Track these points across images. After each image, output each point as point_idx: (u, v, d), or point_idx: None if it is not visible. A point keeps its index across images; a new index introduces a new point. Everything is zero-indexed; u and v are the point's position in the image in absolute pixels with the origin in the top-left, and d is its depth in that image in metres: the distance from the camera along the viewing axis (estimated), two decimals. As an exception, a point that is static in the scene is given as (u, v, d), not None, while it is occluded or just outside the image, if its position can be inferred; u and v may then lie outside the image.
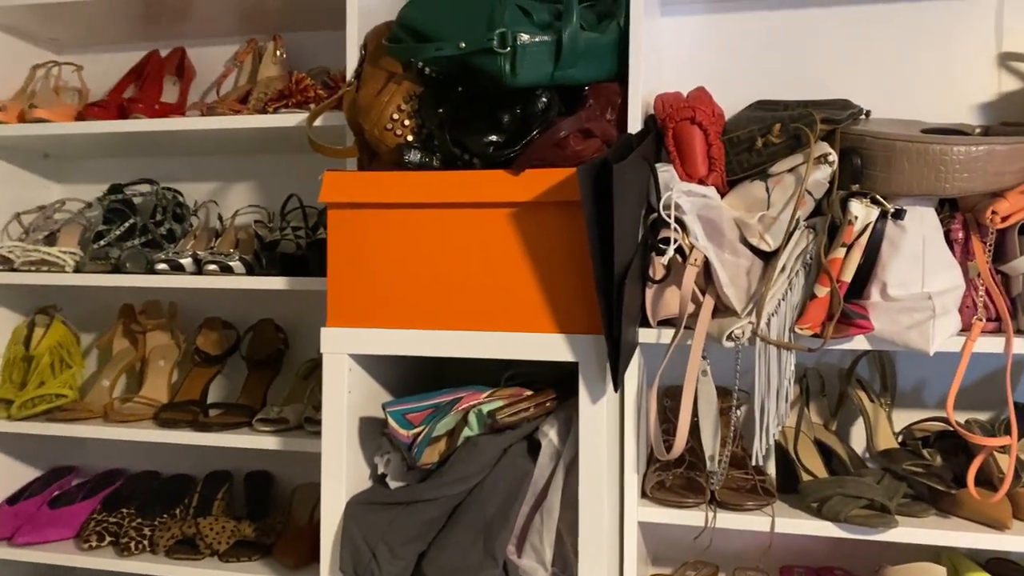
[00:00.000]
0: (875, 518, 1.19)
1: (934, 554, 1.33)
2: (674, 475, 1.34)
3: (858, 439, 1.47)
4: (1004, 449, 1.23)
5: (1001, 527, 1.18)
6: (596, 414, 1.18)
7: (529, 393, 1.26)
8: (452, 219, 1.23)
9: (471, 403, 1.22)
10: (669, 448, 1.21)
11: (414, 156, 1.25)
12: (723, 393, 1.31)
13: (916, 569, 1.25)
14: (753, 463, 1.20)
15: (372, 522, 1.24)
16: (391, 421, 1.22)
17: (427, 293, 1.23)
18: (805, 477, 1.30)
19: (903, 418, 1.43)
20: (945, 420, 1.32)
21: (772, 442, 1.21)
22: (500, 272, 1.21)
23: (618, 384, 1.14)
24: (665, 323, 1.26)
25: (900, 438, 1.39)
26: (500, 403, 1.22)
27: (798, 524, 1.24)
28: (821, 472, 1.31)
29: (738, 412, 1.41)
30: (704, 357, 1.25)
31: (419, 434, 1.22)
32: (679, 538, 1.45)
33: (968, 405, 1.42)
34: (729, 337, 1.20)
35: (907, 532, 1.19)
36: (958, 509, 1.24)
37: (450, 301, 1.23)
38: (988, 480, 1.25)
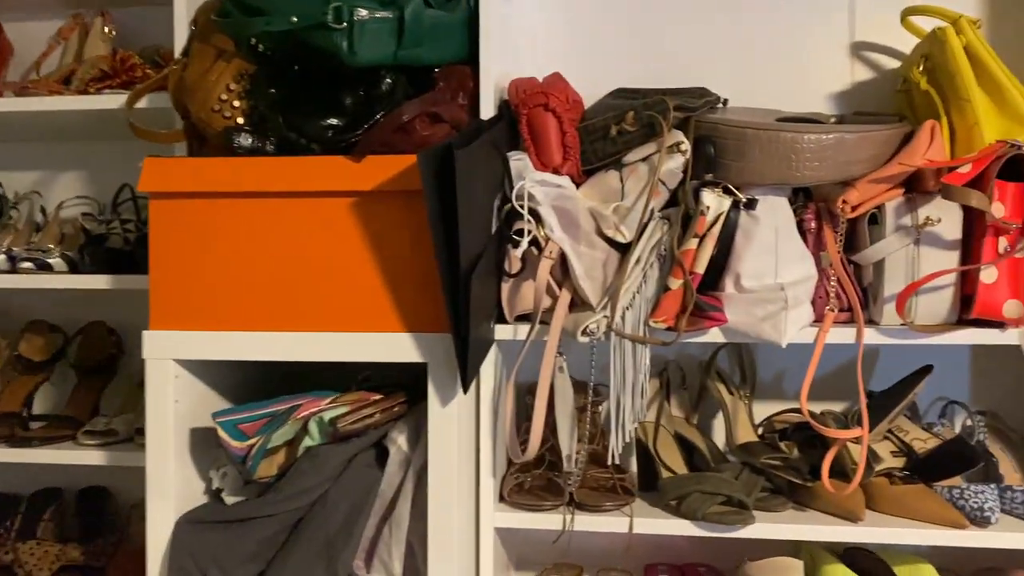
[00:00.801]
0: (732, 515, 1.16)
1: (795, 547, 1.32)
2: (533, 476, 1.28)
3: (720, 432, 1.45)
4: (858, 440, 1.23)
5: (854, 519, 1.17)
6: (446, 417, 1.11)
7: (377, 397, 1.17)
8: (287, 210, 1.13)
9: (311, 410, 1.13)
10: (525, 449, 1.15)
11: (244, 140, 1.14)
12: (585, 390, 1.26)
13: (773, 564, 1.23)
14: (610, 461, 1.16)
15: (203, 542, 1.13)
16: (221, 432, 1.12)
17: (261, 291, 1.13)
18: (664, 474, 1.27)
19: (765, 410, 1.42)
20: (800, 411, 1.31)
21: (629, 439, 1.16)
22: (341, 267, 1.12)
23: (467, 385, 1.07)
24: (524, 318, 1.20)
25: (760, 431, 1.38)
26: (343, 409, 1.13)
27: (656, 524, 1.20)
28: (681, 468, 1.28)
29: (600, 409, 1.37)
30: (560, 353, 1.19)
31: (253, 446, 1.12)
32: (544, 540, 1.39)
33: (826, 396, 1.42)
34: (584, 332, 1.14)
35: (764, 528, 1.18)
36: (814, 502, 1.23)
37: (286, 300, 1.13)
38: (843, 472, 1.24)
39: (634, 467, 1.37)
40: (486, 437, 1.20)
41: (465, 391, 1.08)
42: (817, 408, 1.33)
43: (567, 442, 1.20)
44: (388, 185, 1.10)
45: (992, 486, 1.21)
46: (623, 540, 1.44)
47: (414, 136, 1.12)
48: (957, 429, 1.39)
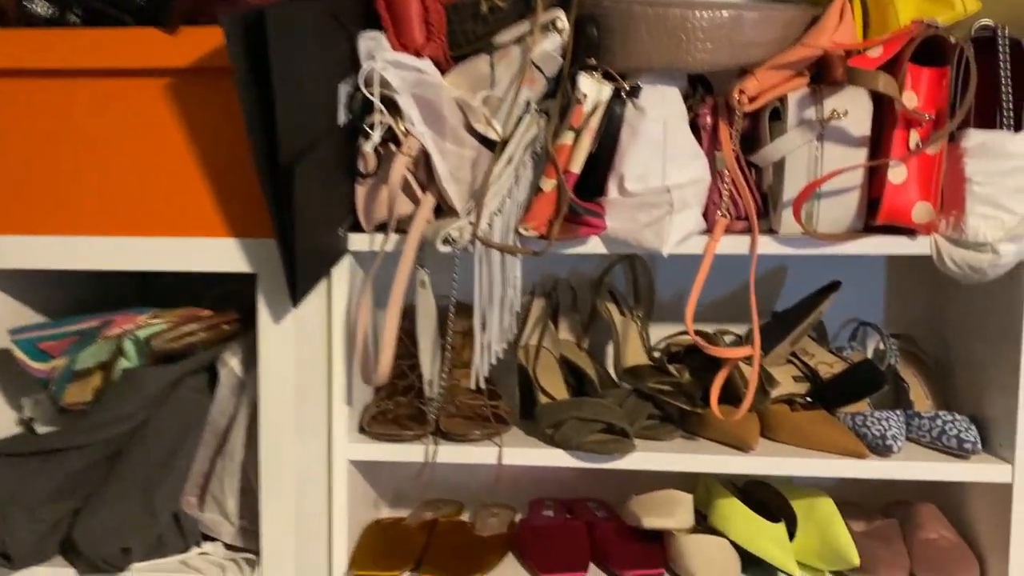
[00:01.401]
0: (611, 444, 1.04)
1: (695, 479, 1.22)
2: (399, 404, 1.15)
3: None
4: (751, 361, 1.11)
5: (745, 448, 1.06)
6: (280, 335, 0.97)
7: (206, 313, 1.02)
8: (90, 91, 0.96)
9: (124, 328, 0.98)
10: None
11: (41, 8, 0.96)
12: (466, 310, 1.12)
13: (659, 498, 1.12)
14: (473, 386, 1.02)
15: (2, 478, 0.98)
16: (17, 352, 0.97)
17: (58, 189, 0.96)
18: (543, 400, 1.14)
19: (665, 333, 1.30)
20: (702, 333, 1.19)
21: (495, 361, 1.03)
22: (154, 161, 0.96)
23: (297, 298, 0.93)
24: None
25: (657, 355, 1.26)
26: (161, 326, 0.98)
27: (530, 454, 1.08)
28: (562, 394, 1.16)
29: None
30: (421, 266, 1.05)
31: (56, 368, 0.96)
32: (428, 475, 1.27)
33: (730, 316, 1.29)
34: (445, 240, 1.00)
35: (647, 457, 1.06)
36: (706, 430, 1.12)
37: (89, 198, 0.96)
38: (739, 398, 1.13)
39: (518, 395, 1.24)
40: (339, 360, 1.06)
41: (295, 304, 0.93)
42: (717, 329, 1.21)
43: (429, 366, 1.06)
44: (209, 61, 0.94)
45: (898, 413, 1.11)
46: (512, 473, 1.34)
47: (240, 4, 0.95)
48: (869, 353, 1.28)
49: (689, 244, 1.01)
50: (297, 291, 0.92)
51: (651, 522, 1.08)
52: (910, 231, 1.00)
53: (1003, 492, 1.03)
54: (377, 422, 1.12)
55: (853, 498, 1.25)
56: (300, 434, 1.01)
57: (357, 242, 1.05)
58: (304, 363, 1.03)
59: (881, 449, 1.05)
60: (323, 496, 1.07)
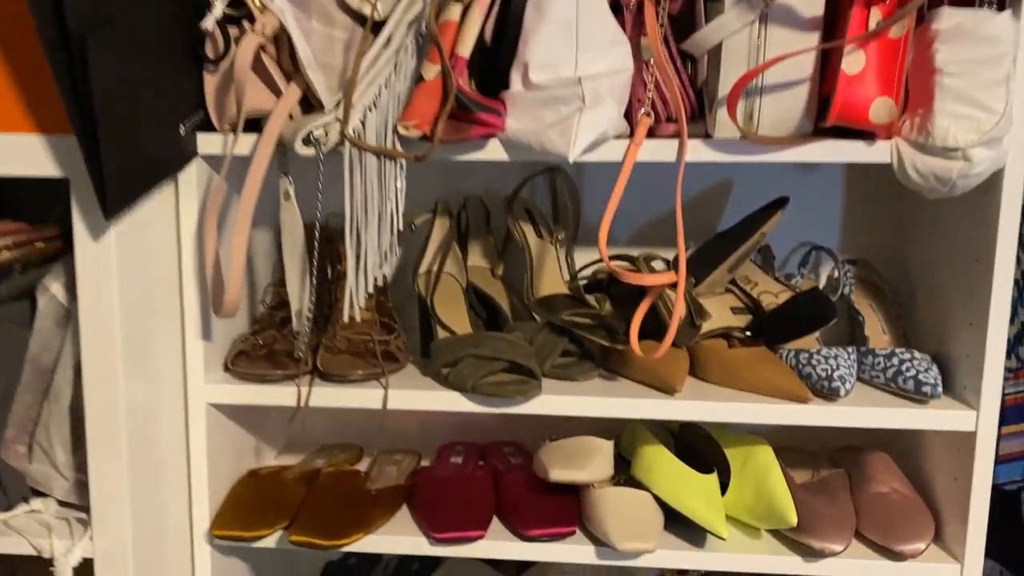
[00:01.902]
0: (511, 385, 0.89)
1: (620, 421, 1.07)
2: (272, 339, 0.99)
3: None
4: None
5: (669, 390, 0.91)
6: (99, 253, 0.79)
7: (14, 227, 0.85)
8: None
9: (-90, 244, 0.80)
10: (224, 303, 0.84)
11: None
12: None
13: (573, 446, 0.98)
14: (345, 317, 0.86)
15: None
16: None
17: None
18: (441, 334, 0.98)
19: (592, 259, 1.14)
20: (628, 258, 1.03)
21: (372, 289, 0.86)
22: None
23: (109, 211, 0.75)
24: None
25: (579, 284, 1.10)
26: (-45, 242, 0.80)
27: (418, 397, 0.92)
28: (465, 328, 1.00)
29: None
30: (286, 173, 0.88)
31: None
32: (324, 418, 1.11)
33: (668, 239, 1.14)
34: (307, 140, 0.83)
35: (556, 401, 0.91)
36: (628, 369, 0.97)
37: None
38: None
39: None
40: (191, 287, 0.89)
41: (107, 216, 0.75)
42: (645, 254, 1.04)
43: (297, 294, 0.90)
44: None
45: (849, 350, 0.96)
46: (425, 417, 1.19)
47: None
48: (821, 282, 1.13)
49: (605, 150, 0.84)
50: (109, 201, 0.74)
51: (559, 475, 0.94)
52: (868, 134, 0.83)
53: (965, 441, 0.89)
54: (244, 359, 0.96)
55: (800, 444, 1.11)
56: (144, 372, 0.85)
57: (208, 144, 0.87)
58: (150, 289, 0.86)
59: (827, 392, 0.91)
60: (180, 445, 0.92)
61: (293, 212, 0.88)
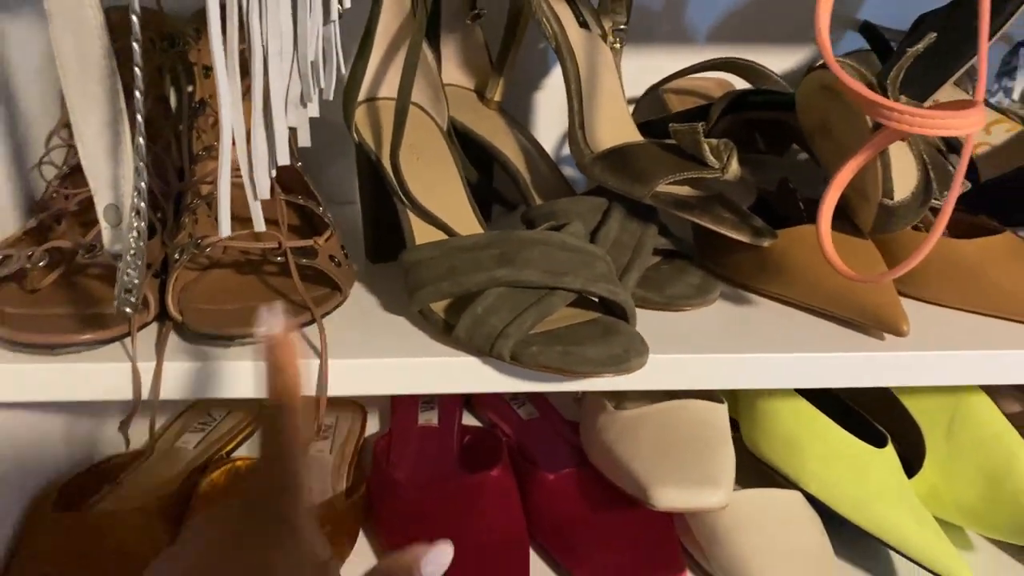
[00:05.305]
0: (595, 346, 0.42)
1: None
2: (69, 248, 0.47)
3: (559, 121, 0.70)
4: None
5: (889, 329, 0.47)
6: None
7: None
8: None
9: None
10: None
11: None
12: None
13: (671, 415, 0.54)
14: (253, 197, 0.37)
15: None
16: None
17: None
18: (418, 231, 0.49)
19: (652, 68, 0.66)
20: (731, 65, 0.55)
21: (284, 156, 0.37)
22: None
23: None
24: None
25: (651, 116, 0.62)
26: None
27: (385, 370, 0.45)
28: (464, 216, 0.51)
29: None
30: None
31: None
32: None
33: (771, 34, 0.67)
34: None
35: (664, 365, 0.45)
36: (777, 280, 0.52)
37: None
38: (845, 213, 0.53)
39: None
40: None
41: None
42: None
43: (102, 164, 0.38)
44: None
45: None
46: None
47: None
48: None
49: None
50: None
51: (673, 500, 0.49)
52: None
53: None
54: (5, 301, 0.45)
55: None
56: None
57: None
58: None
59: None
60: None
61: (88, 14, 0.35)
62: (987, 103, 0.62)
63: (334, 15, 0.37)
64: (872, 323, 0.47)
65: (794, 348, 0.46)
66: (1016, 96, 0.69)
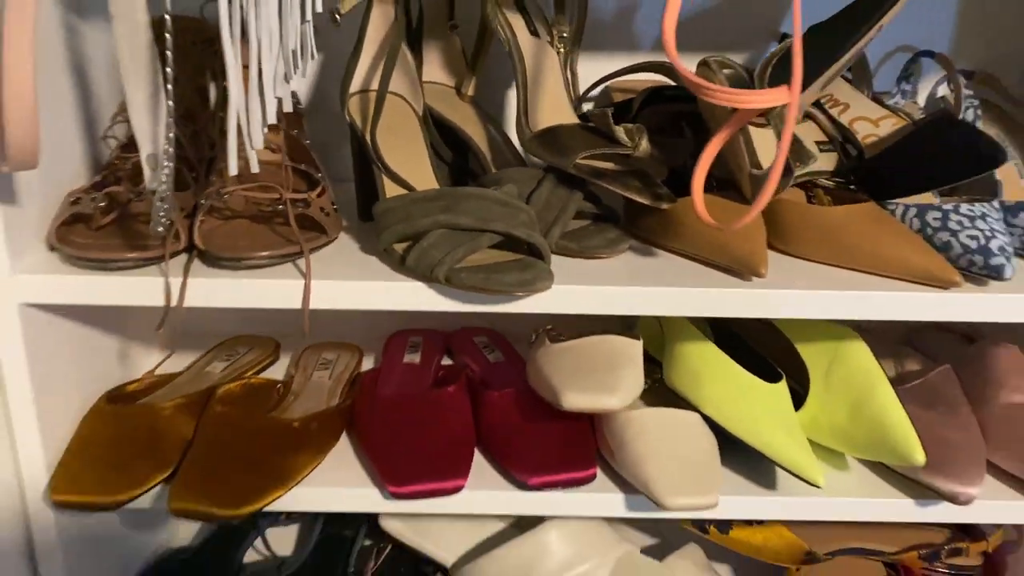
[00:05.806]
0: (511, 273, 0.56)
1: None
2: (124, 196, 0.63)
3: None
4: (769, 118, 0.63)
5: (749, 270, 0.59)
6: None
7: None
8: None
9: None
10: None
11: None
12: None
13: (591, 347, 0.67)
14: (233, 169, 0.51)
15: None
16: None
17: None
18: (391, 191, 0.63)
19: (601, 71, 0.79)
20: (659, 67, 0.68)
21: (271, 115, 0.51)
22: None
23: None
24: None
25: (588, 108, 0.76)
26: None
27: (357, 290, 0.59)
28: (426, 179, 0.65)
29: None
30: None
31: None
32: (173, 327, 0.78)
33: (726, 42, 0.80)
34: None
35: (572, 294, 0.58)
36: (672, 237, 0.65)
37: None
38: (734, 183, 0.66)
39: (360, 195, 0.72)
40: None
41: None
42: (712, 59, 0.69)
43: (145, 126, 0.53)
44: None
45: (995, 205, 0.66)
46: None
47: None
48: (921, 101, 0.81)
49: None
50: None
51: (577, 401, 0.62)
52: None
53: None
54: (79, 233, 0.60)
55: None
56: None
57: None
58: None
59: (985, 270, 0.60)
60: (-16, 371, 0.58)
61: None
62: (882, 103, 0.74)
63: (309, 16, 0.51)
64: (741, 268, 0.59)
65: (676, 284, 0.59)
66: (921, 102, 0.81)
